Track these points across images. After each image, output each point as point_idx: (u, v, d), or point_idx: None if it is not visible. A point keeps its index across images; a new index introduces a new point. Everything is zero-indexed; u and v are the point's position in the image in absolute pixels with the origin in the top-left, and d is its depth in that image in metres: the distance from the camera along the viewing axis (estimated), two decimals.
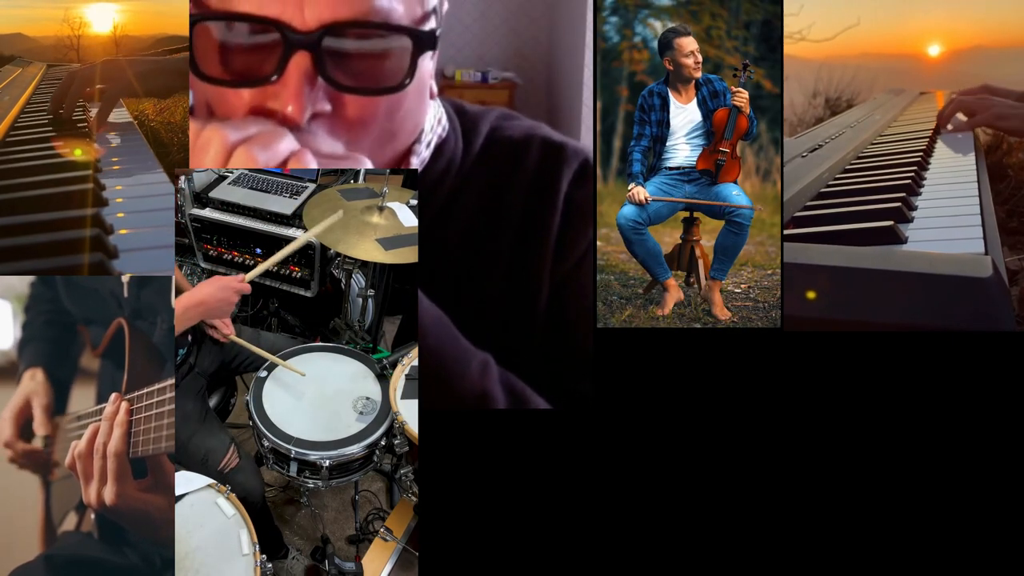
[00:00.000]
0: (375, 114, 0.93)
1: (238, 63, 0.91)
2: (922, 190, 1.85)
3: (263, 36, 0.90)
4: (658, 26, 1.61)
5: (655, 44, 1.61)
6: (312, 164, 0.90)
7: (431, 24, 0.95)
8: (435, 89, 1.05)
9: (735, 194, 1.53)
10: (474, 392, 1.01)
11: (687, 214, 1.59)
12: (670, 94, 1.55)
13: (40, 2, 1.60)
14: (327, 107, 0.91)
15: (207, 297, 1.54)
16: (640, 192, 1.53)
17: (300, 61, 0.89)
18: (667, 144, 1.56)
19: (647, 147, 1.56)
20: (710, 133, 1.56)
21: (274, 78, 0.89)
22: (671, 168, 1.56)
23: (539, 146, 1.12)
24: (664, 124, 1.56)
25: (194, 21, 0.91)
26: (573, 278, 1.11)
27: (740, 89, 1.52)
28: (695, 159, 1.56)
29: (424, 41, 0.93)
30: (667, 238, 1.61)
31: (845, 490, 1.52)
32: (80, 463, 1.05)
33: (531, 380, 1.08)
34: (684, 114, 1.56)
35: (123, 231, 1.31)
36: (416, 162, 1.04)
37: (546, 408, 1.08)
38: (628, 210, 1.53)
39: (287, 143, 0.88)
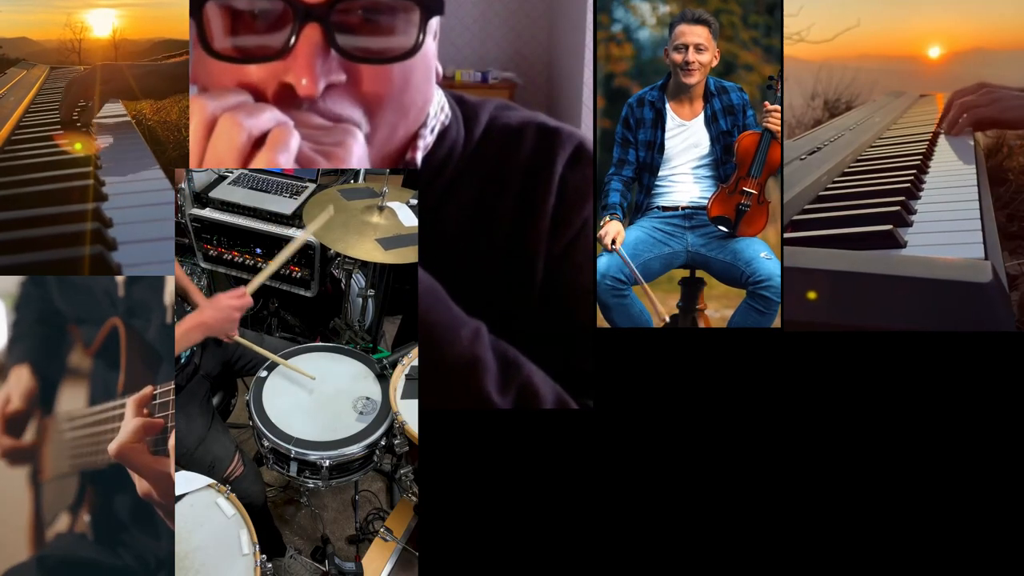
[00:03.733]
0: (389, 85, 0.94)
1: (248, 40, 0.91)
2: (922, 194, 1.85)
3: (272, 11, 0.90)
4: (646, 10, 1.23)
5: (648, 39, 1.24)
6: (295, 139, 0.90)
7: None
8: (440, 71, 1.06)
9: (763, 256, 1.16)
10: (464, 358, 1.01)
11: (687, 273, 1.24)
12: (667, 105, 1.20)
13: (43, 7, 1.64)
14: (342, 77, 0.91)
15: (208, 319, 1.58)
16: (613, 229, 1.14)
17: (310, 33, 0.89)
18: (659, 174, 1.21)
19: (630, 178, 1.20)
20: (720, 163, 1.21)
21: (285, 52, 0.90)
22: (665, 208, 1.21)
23: (535, 131, 1.14)
24: (656, 147, 1.19)
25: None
26: (568, 256, 1.12)
27: (774, 107, 1.16)
28: (701, 197, 1.22)
29: (431, 6, 0.94)
30: (659, 305, 1.27)
31: (845, 490, 1.53)
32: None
33: (532, 360, 1.09)
34: (685, 134, 1.22)
35: (122, 224, 1.35)
36: (421, 146, 1.06)
37: (545, 398, 1.09)
38: (606, 263, 1.18)
39: (272, 113, 0.88)
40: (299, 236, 1.75)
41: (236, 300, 1.60)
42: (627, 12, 1.20)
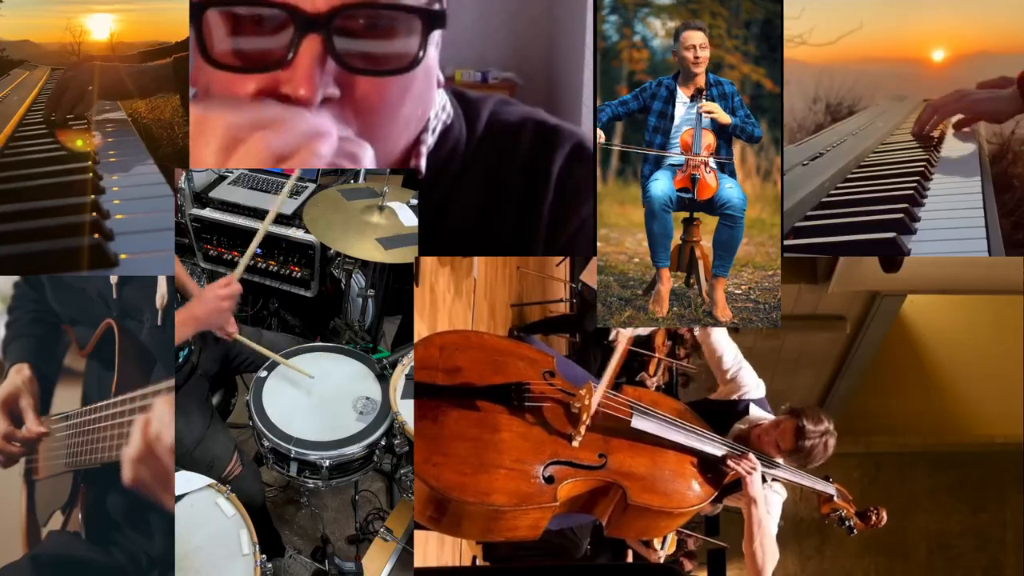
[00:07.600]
0: (385, 98, 0.94)
1: (248, 49, 0.91)
2: (926, 200, 1.84)
3: (273, 20, 0.90)
4: (657, 24, 1.62)
5: (655, 43, 1.62)
6: (324, 154, 0.89)
7: (438, 4, 0.96)
8: (442, 78, 1.06)
9: (728, 187, 1.55)
10: None
11: (687, 215, 1.60)
12: (679, 89, 1.57)
13: (45, 11, 1.68)
14: (336, 92, 0.92)
15: (197, 312, 1.53)
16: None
17: (311, 44, 0.89)
18: (670, 139, 1.58)
19: (625, 104, 1.58)
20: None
21: (285, 62, 0.89)
22: (673, 165, 1.58)
23: (533, 128, 1.15)
24: (668, 117, 1.57)
25: (206, 6, 0.91)
26: (566, 253, 1.15)
27: (705, 103, 1.55)
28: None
29: (434, 20, 0.94)
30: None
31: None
32: None
33: None
34: (691, 109, 1.57)
35: (119, 216, 1.36)
36: (423, 151, 1.06)
37: None
38: (668, 187, 1.56)
39: (297, 132, 0.89)
40: (267, 220, 1.71)
41: (223, 290, 1.54)
42: (644, 26, 1.59)
